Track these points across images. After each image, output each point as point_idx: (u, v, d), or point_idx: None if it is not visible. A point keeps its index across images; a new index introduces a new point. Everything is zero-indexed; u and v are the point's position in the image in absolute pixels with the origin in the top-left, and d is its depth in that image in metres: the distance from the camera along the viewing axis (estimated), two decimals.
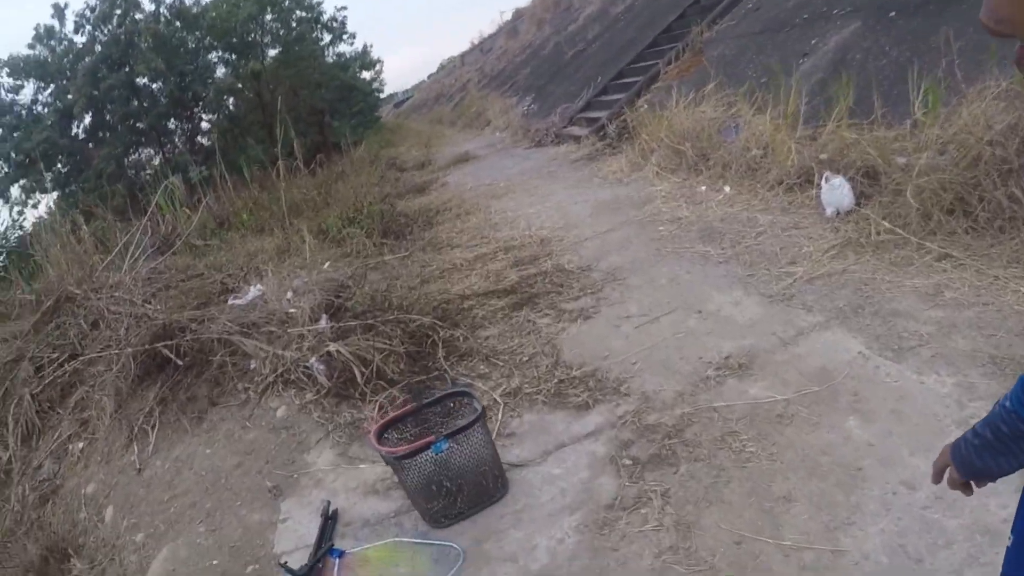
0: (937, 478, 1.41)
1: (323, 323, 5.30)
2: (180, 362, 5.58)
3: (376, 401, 4.45)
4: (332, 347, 4.84)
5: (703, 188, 7.96)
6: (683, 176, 8.62)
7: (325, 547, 3.43)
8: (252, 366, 5.35)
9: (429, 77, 67.28)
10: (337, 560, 3.36)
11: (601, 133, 11.71)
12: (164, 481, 4.78)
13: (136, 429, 5.40)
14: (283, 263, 7.23)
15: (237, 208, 9.75)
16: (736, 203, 6.99)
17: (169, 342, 5.75)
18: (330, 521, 3.64)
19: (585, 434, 3.78)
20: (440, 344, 4.99)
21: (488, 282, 6.27)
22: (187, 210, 9.31)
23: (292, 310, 5.62)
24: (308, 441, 4.43)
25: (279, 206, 9.10)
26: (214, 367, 5.47)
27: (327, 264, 6.84)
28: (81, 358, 6.46)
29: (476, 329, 5.32)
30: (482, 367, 4.73)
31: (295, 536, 3.70)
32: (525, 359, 4.72)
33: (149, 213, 8.58)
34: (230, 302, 6.20)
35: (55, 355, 6.71)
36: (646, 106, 11.22)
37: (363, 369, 4.66)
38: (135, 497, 4.81)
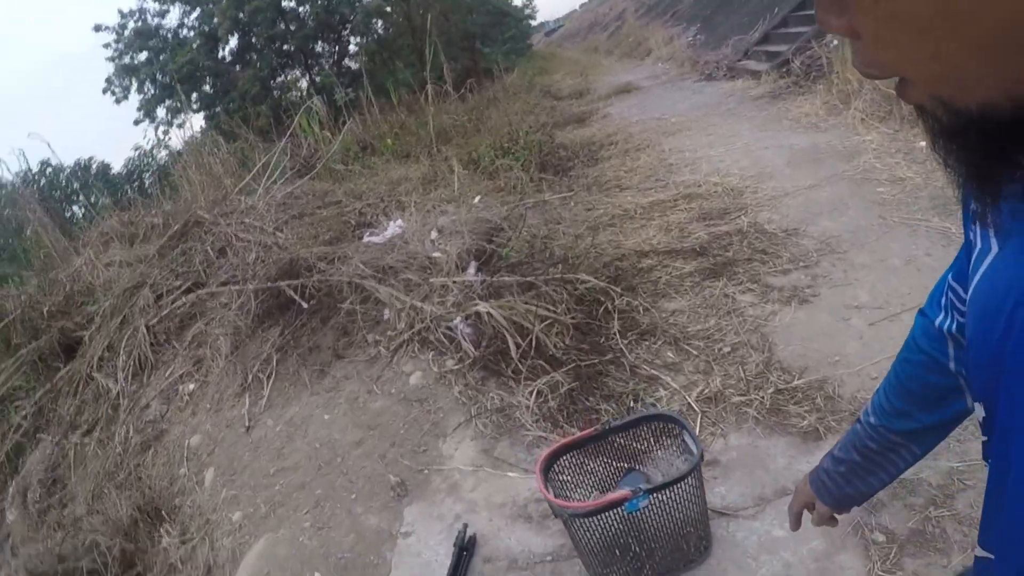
0: (796, 523, 1.36)
1: (472, 272, 4.36)
2: (305, 304, 4.78)
3: (534, 386, 3.46)
4: (482, 307, 3.88)
5: (922, 144, 6.52)
6: (895, 127, 7.17)
7: None
8: (385, 317, 4.49)
9: (581, 7, 65.03)
10: None
11: (784, 69, 10.25)
12: (273, 447, 4.00)
13: (251, 377, 4.66)
14: (428, 194, 6.33)
15: (382, 132, 8.94)
16: None
17: (294, 281, 4.96)
18: (465, 553, 2.71)
19: None
20: (615, 315, 3.94)
21: (670, 237, 5.13)
22: (329, 133, 8.59)
23: (436, 254, 4.70)
24: (445, 424, 3.51)
25: (426, 131, 8.22)
26: (342, 314, 4.64)
27: (477, 199, 5.87)
28: (203, 291, 5.81)
29: (659, 299, 4.22)
30: (669, 353, 3.65)
31: (418, 562, 2.81)
32: (727, 350, 3.60)
33: (289, 133, 7.89)
34: (365, 239, 5.36)
35: (177, 283, 6.11)
36: (837, 41, 9.71)
37: (519, 340, 3.68)
38: (239, 462, 4.06)
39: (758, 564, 2.38)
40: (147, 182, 11.71)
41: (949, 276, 0.96)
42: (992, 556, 0.71)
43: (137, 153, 13.45)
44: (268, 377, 4.57)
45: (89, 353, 6.02)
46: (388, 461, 3.44)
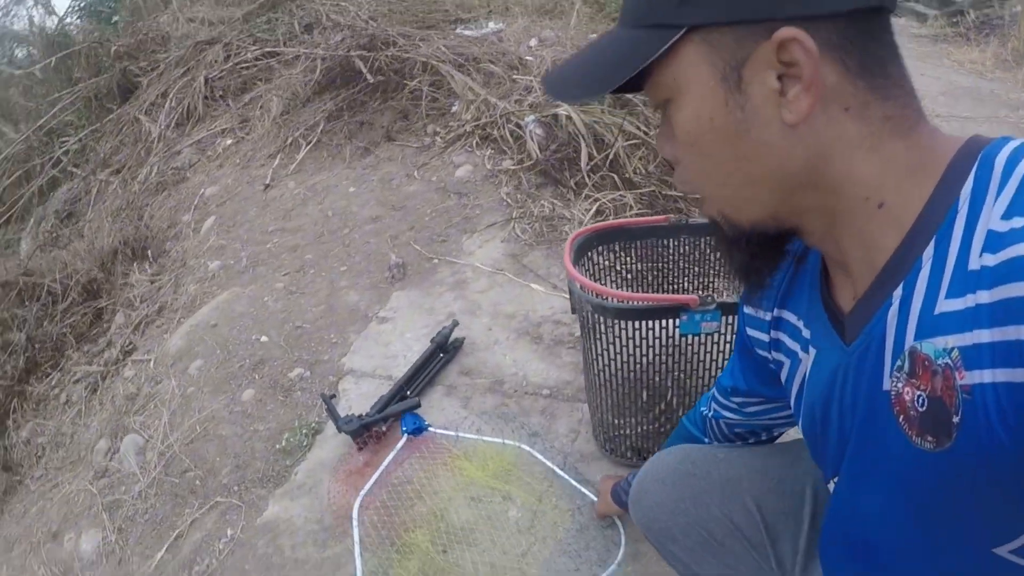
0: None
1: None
2: (371, 78, 4.08)
3: (596, 199, 2.71)
4: (563, 109, 3.12)
5: None
6: None
7: (401, 405, 1.86)
8: (453, 109, 3.76)
9: None
10: (406, 438, 1.80)
11: (955, 19, 9.04)
12: (284, 207, 3.40)
13: (290, 140, 4.04)
14: (542, 20, 5.49)
15: None
16: None
17: (367, 53, 4.26)
18: (441, 355, 2.04)
19: None
20: None
21: None
22: None
23: (529, 57, 3.92)
24: (478, 220, 2.82)
25: None
26: (406, 94, 3.94)
27: (594, 36, 5.02)
28: (276, 57, 5.19)
29: None
30: None
31: (382, 352, 2.16)
32: None
33: None
34: (458, 31, 4.60)
35: (253, 47, 5.50)
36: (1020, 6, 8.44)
37: (594, 151, 2.93)
38: (243, 215, 3.48)
39: None
40: None
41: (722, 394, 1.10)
42: None
43: None
44: (308, 143, 3.94)
45: (143, 97, 5.52)
46: (399, 243, 2.77)
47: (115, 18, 7.75)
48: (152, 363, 2.55)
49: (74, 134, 5.75)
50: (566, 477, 1.69)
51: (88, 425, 2.50)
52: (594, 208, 2.70)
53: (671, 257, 1.80)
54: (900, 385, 0.62)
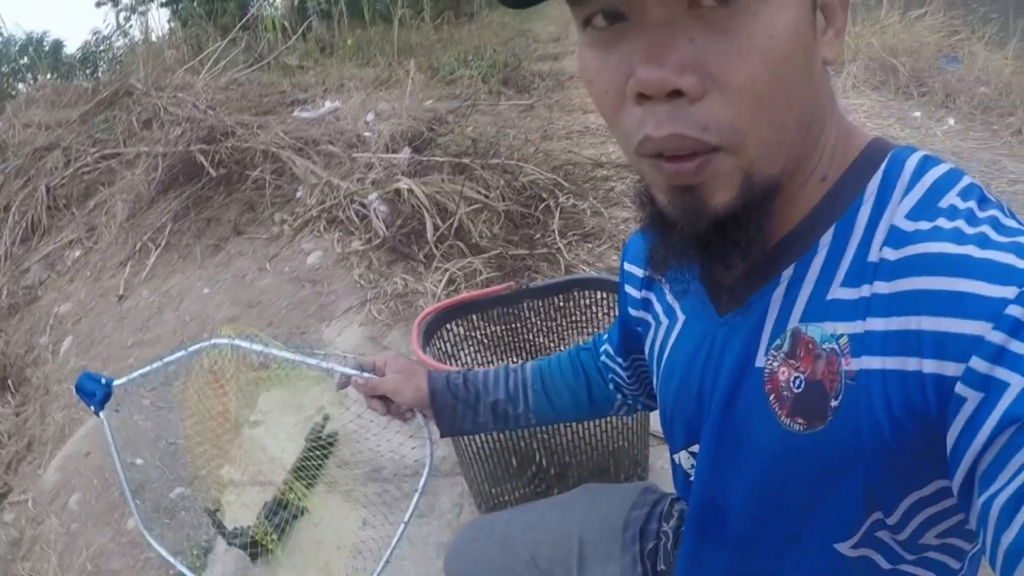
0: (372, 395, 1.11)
1: (404, 155, 3.76)
2: (213, 171, 4.15)
3: (446, 270, 2.89)
4: (404, 183, 3.29)
5: (917, 114, 6.12)
6: (888, 96, 6.77)
7: (289, 512, 1.99)
8: (298, 195, 3.88)
9: None
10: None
11: None
12: (140, 318, 3.42)
13: (139, 246, 4.06)
14: (377, 92, 5.67)
15: (345, 40, 8.24)
16: (968, 139, 5.17)
17: (207, 147, 4.33)
18: (317, 453, 2.17)
19: None
20: (557, 212, 3.35)
21: None
22: (291, 33, 7.87)
23: (367, 133, 4.09)
24: (335, 308, 2.94)
25: (391, 44, 7.55)
26: (250, 185, 4.03)
27: (429, 102, 5.23)
28: (117, 157, 5.17)
29: (611, 206, 3.64)
30: (614, 258, 3.09)
31: (259, 459, 2.25)
32: None
33: (245, 20, 7.18)
34: (295, 114, 4.73)
35: (93, 149, 5.44)
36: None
37: (438, 222, 3.11)
38: (101, 332, 3.48)
39: None
40: (101, 71, 10.77)
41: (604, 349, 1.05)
42: None
43: (95, 38, 12.47)
44: (157, 247, 3.97)
45: None
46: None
47: None
48: (30, 503, 2.55)
49: None
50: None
51: None
52: (445, 278, 2.85)
53: (524, 316, 1.93)
54: (776, 364, 0.62)
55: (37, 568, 2.24)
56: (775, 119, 0.54)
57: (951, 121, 6.08)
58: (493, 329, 1.99)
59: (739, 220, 0.58)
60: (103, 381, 1.19)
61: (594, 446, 1.75)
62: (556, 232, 3.20)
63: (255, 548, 1.91)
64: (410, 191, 3.27)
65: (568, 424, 1.68)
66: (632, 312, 0.88)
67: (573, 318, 1.97)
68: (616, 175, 4.09)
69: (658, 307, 0.81)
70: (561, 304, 1.95)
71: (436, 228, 3.11)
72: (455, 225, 3.11)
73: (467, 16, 12.73)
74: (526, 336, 2.00)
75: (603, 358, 1.05)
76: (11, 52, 12.51)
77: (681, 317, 0.76)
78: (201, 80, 6.38)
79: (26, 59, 11.97)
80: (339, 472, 2.16)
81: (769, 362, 0.63)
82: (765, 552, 0.71)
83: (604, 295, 1.84)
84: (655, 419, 1.98)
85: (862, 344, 0.56)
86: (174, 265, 3.78)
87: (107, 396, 1.19)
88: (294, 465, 2.12)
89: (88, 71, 12.50)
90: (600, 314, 1.92)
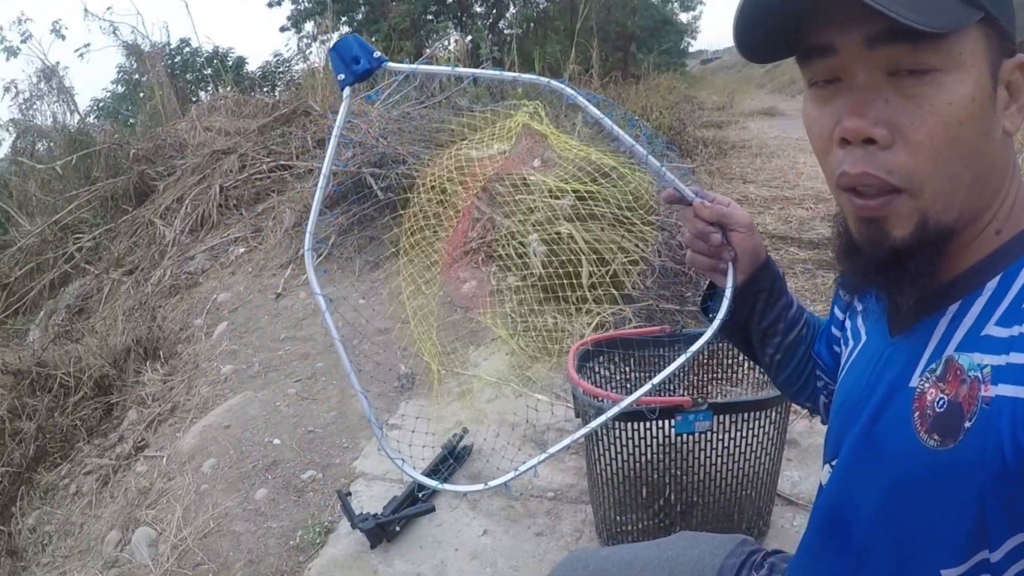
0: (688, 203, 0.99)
1: (566, 200, 3.81)
2: (381, 195, 4.33)
3: (598, 313, 2.89)
4: (565, 227, 3.34)
5: None
6: None
7: (415, 509, 1.99)
8: (459, 227, 3.98)
9: None
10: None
11: None
12: (295, 317, 3.57)
13: (301, 252, 4.23)
14: (544, 140, 5.82)
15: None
16: None
17: (377, 170, 4.52)
18: (451, 461, 2.17)
19: None
20: None
21: (788, 227, 4.57)
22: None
23: (532, 176, 4.17)
24: (484, 334, 2.99)
25: (559, 98, 7.71)
26: (415, 210, 4.16)
27: (595, 156, 5.32)
28: (289, 169, 5.47)
29: None
30: None
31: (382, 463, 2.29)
32: None
33: (424, 57, 7.53)
34: (463, 151, 4.87)
35: (267, 159, 5.77)
36: None
37: (595, 268, 3.12)
38: (256, 322, 3.63)
39: None
40: (278, 91, 11.47)
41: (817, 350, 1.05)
42: None
43: (275, 59, 13.26)
44: (319, 255, 4.14)
45: (158, 201, 5.76)
46: (407, 354, 2.92)
47: (132, 120, 8.04)
48: (165, 460, 2.65)
49: (89, 232, 5.92)
50: None
51: (98, 516, 2.58)
52: (595, 322, 2.87)
53: (665, 365, 1.94)
54: (927, 385, 0.68)
55: (160, 517, 2.31)
56: (950, 172, 0.65)
57: None
58: (634, 372, 1.99)
59: (913, 253, 0.68)
60: (376, 54, 0.98)
61: (723, 489, 1.74)
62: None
63: (378, 535, 1.92)
64: (570, 236, 3.30)
65: (701, 464, 1.69)
66: (834, 331, 0.99)
67: (715, 375, 2.01)
68: (771, 245, 4.04)
69: (850, 330, 0.90)
70: (705, 360, 1.99)
71: (591, 274, 3.12)
72: (610, 273, 3.12)
73: (634, 78, 12.96)
74: (666, 383, 1.98)
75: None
76: (197, 62, 13.54)
77: (864, 339, 0.85)
78: (375, 110, 6.67)
79: (210, 70, 12.93)
80: (468, 483, 2.15)
81: (921, 383, 0.69)
82: (877, 566, 0.75)
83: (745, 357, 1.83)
84: (784, 479, 1.92)
85: (1002, 373, 0.61)
86: (333, 275, 3.93)
87: (367, 73, 0.98)
88: (426, 470, 2.13)
89: (266, 88, 13.38)
90: (740, 374, 1.95)
